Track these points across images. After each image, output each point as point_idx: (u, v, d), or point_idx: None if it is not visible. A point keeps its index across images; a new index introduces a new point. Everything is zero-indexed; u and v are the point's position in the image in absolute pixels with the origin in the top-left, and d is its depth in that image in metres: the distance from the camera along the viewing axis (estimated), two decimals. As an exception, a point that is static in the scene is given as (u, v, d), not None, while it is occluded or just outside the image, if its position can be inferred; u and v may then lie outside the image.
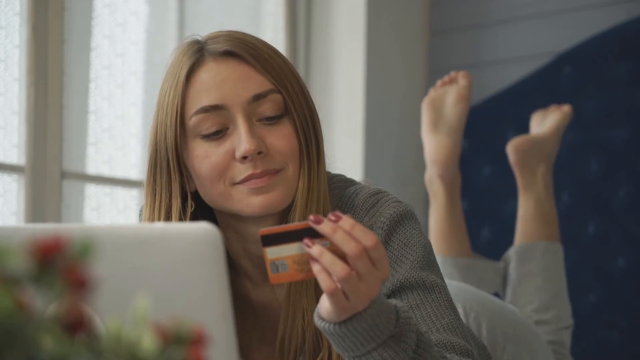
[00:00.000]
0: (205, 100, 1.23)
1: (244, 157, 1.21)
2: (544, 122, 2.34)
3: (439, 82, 2.27)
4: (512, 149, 2.28)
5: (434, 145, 2.22)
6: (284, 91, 1.24)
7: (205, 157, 1.23)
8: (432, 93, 2.26)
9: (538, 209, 2.23)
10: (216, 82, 1.23)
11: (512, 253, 2.21)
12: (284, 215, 1.26)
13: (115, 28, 2.47)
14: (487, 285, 2.16)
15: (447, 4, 3.19)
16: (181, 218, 1.27)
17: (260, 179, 1.21)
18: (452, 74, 2.27)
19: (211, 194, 1.25)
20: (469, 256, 2.22)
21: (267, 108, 1.23)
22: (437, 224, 2.24)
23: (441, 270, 2.03)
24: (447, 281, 1.76)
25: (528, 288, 2.12)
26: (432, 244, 2.19)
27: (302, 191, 1.24)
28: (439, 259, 2.17)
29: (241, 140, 1.21)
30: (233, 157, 1.22)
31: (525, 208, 2.25)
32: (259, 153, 1.21)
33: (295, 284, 1.23)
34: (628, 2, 2.81)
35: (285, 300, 1.24)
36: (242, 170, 1.22)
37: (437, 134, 2.22)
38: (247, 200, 1.22)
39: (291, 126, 1.24)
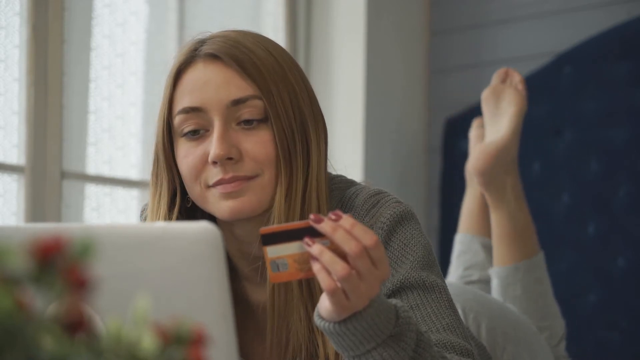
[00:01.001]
0: (187, 101, 1.25)
1: (214, 162, 1.22)
2: (499, 119, 2.13)
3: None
4: (475, 174, 2.07)
5: (478, 151, 2.08)
6: (266, 97, 1.24)
7: (184, 156, 1.25)
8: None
9: (512, 224, 2.06)
10: (199, 84, 1.24)
11: (492, 274, 2.09)
12: (265, 219, 1.26)
13: (115, 28, 2.47)
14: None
15: (447, 4, 3.19)
16: (182, 215, 1.28)
17: (229, 184, 1.22)
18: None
19: (192, 194, 1.27)
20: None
21: (246, 112, 1.24)
22: (472, 205, 2.18)
23: (467, 246, 2.01)
24: (447, 282, 1.76)
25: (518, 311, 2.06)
26: (464, 224, 2.18)
27: (280, 197, 1.24)
28: (467, 237, 2.14)
29: (212, 145, 1.22)
30: (207, 160, 1.23)
31: (499, 226, 2.07)
32: (230, 159, 1.22)
33: (284, 287, 1.23)
34: (628, 2, 2.81)
35: (270, 306, 1.24)
36: (214, 174, 1.23)
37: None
38: (218, 204, 1.23)
39: (269, 133, 1.24)
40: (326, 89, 3.00)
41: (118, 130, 2.47)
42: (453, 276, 2.18)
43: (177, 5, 2.64)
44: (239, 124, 1.24)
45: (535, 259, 2.07)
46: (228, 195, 1.22)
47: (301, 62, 3.01)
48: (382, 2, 3.03)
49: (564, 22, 2.91)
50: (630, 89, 2.73)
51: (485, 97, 2.14)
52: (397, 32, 3.11)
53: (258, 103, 1.24)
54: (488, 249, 2.14)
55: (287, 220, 1.21)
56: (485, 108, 2.14)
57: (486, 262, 2.11)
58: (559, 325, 2.07)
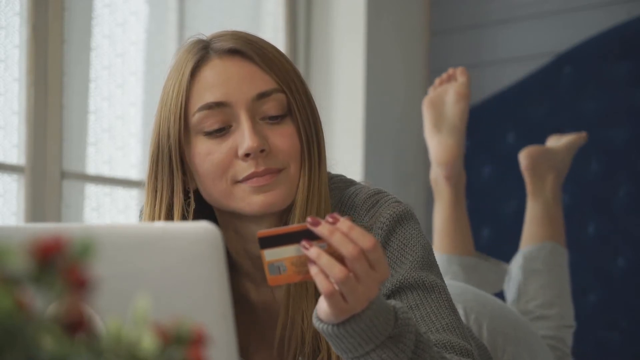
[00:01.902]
0: (210, 97, 1.23)
1: (247, 155, 1.21)
2: (560, 140, 2.38)
3: (437, 81, 2.26)
4: (524, 155, 2.30)
5: (438, 146, 2.21)
6: (288, 91, 1.24)
7: (207, 154, 1.23)
8: (432, 93, 2.25)
9: (545, 211, 2.24)
10: (221, 80, 1.23)
11: (518, 256, 2.22)
12: (284, 215, 1.26)
13: (115, 28, 2.47)
14: (490, 285, 2.16)
15: (447, 4, 3.19)
16: (183, 215, 1.27)
17: (262, 178, 1.21)
18: (450, 70, 2.24)
19: (212, 192, 1.25)
20: (473, 255, 2.22)
21: (271, 107, 1.23)
22: (442, 223, 2.24)
23: (446, 269, 2.00)
24: (448, 282, 1.76)
25: (533, 285, 2.13)
26: (437, 243, 2.22)
27: (303, 191, 1.24)
28: (443, 257, 2.18)
29: (244, 138, 1.21)
30: (235, 155, 1.22)
31: (533, 211, 2.26)
32: (262, 151, 1.21)
33: (295, 286, 1.23)
34: (628, 2, 2.81)
35: (285, 302, 1.24)
36: (244, 168, 1.21)
37: (440, 135, 2.21)
38: (249, 199, 1.22)
39: (294, 126, 1.24)
40: (326, 89, 3.00)
41: (118, 130, 2.47)
42: None
43: (177, 5, 2.64)
44: (263, 118, 1.24)
45: (561, 248, 2.21)
46: (260, 189, 1.21)
47: (301, 62, 3.01)
48: (382, 2, 3.03)
49: (564, 22, 2.91)
50: (630, 89, 2.73)
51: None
52: (397, 32, 3.11)
53: (281, 97, 1.24)
54: (468, 268, 2.17)
55: (307, 216, 1.21)
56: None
57: (467, 283, 2.12)
58: (570, 313, 2.14)
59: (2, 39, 2.21)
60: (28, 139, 2.22)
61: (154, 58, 2.56)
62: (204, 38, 1.29)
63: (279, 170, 1.22)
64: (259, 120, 1.23)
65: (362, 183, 1.34)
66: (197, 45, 1.27)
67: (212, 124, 1.23)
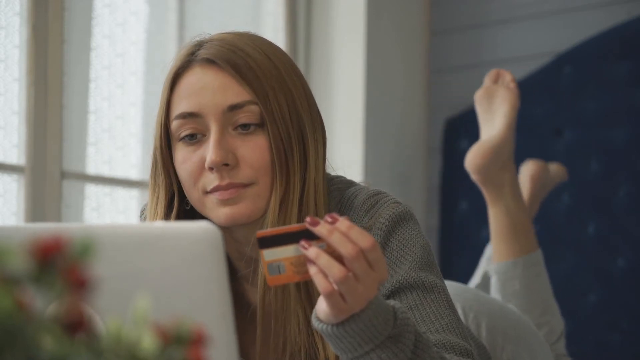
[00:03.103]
0: (184, 106, 1.25)
1: (211, 168, 1.22)
2: (493, 119, 2.17)
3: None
4: (471, 168, 2.11)
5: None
6: (263, 103, 1.23)
7: (182, 162, 1.25)
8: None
9: (509, 220, 2.09)
10: (196, 89, 1.24)
11: (491, 271, 2.12)
12: (263, 222, 1.26)
13: (115, 28, 2.47)
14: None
15: (447, 4, 3.19)
16: (179, 214, 1.28)
17: (226, 191, 1.22)
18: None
19: (191, 199, 1.27)
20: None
21: (243, 117, 1.24)
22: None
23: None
24: (447, 282, 1.75)
25: (518, 310, 2.06)
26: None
27: (275, 204, 1.23)
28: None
29: (209, 151, 1.22)
30: (204, 166, 1.23)
31: (497, 222, 2.11)
32: (226, 165, 1.22)
33: (291, 286, 1.23)
34: (628, 2, 2.81)
35: (280, 304, 1.24)
36: (211, 180, 1.23)
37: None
38: (216, 210, 1.23)
39: (265, 138, 1.24)
40: (326, 89, 3.00)
41: (118, 130, 2.47)
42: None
43: (177, 5, 2.64)
44: (235, 128, 1.24)
45: (534, 255, 2.09)
46: (225, 202, 1.22)
47: (301, 62, 3.01)
48: (382, 2, 3.03)
49: (564, 22, 2.91)
50: (630, 89, 2.73)
51: (479, 97, 2.19)
52: (397, 32, 3.11)
53: (254, 108, 1.23)
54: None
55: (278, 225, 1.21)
56: (479, 109, 2.19)
57: (461, 287, 2.07)
58: (558, 322, 2.08)
59: (2, 39, 2.21)
60: (28, 139, 2.22)
61: (154, 58, 2.56)
62: (201, 40, 1.29)
63: (245, 185, 1.23)
64: (231, 130, 1.24)
65: (362, 184, 1.34)
66: (188, 50, 1.28)
67: (186, 132, 1.25)
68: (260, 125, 1.24)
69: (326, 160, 1.31)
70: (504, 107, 2.15)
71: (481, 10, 3.11)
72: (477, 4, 3.12)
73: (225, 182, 1.22)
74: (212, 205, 1.23)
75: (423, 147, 3.19)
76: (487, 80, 2.21)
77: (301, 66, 3.01)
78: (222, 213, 1.23)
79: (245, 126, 1.23)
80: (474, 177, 2.12)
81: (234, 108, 1.23)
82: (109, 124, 2.45)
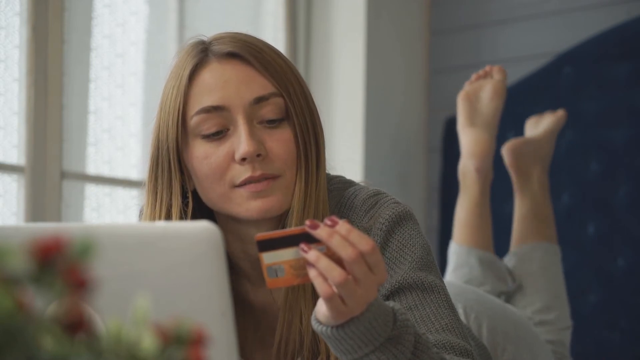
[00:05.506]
0: (207, 101, 1.23)
1: (243, 159, 1.21)
2: (539, 126, 2.35)
3: (474, 76, 2.28)
4: (507, 151, 2.29)
5: (471, 139, 2.23)
6: (286, 95, 1.24)
7: (204, 158, 1.23)
8: (468, 87, 2.27)
9: (534, 209, 2.23)
10: (219, 83, 1.23)
11: (510, 256, 2.20)
12: (282, 219, 1.26)
13: (115, 28, 2.47)
14: (503, 283, 2.16)
15: (447, 4, 3.19)
16: (182, 217, 1.27)
17: (259, 183, 1.21)
18: (487, 67, 2.28)
19: (210, 195, 1.25)
20: (492, 251, 2.22)
21: (269, 111, 1.23)
22: (465, 216, 2.24)
23: (464, 260, 2.01)
24: (448, 281, 1.76)
25: (529, 289, 2.11)
26: (457, 235, 2.22)
27: (299, 196, 1.23)
28: (463, 248, 2.18)
29: (241, 142, 1.21)
30: (232, 159, 1.22)
31: (522, 208, 2.25)
32: (258, 155, 1.21)
33: (293, 287, 1.23)
34: (628, 2, 2.81)
35: (283, 304, 1.24)
36: (241, 172, 1.21)
37: (474, 128, 2.23)
38: (246, 204, 1.22)
39: (291, 131, 1.24)
40: (326, 88, 3.00)
41: (118, 131, 2.47)
42: None
43: (177, 5, 2.64)
44: (260, 122, 1.24)
45: (553, 247, 2.20)
46: (257, 195, 1.21)
47: (301, 62, 3.01)
48: (382, 2, 3.03)
49: (564, 22, 2.91)
50: (630, 89, 2.73)
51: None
52: (397, 32, 3.11)
53: (279, 100, 1.24)
54: (485, 263, 2.17)
55: (304, 220, 1.21)
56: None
57: (483, 278, 2.12)
58: (567, 314, 2.14)
59: (2, 39, 2.21)
60: (28, 139, 2.22)
61: (154, 58, 2.56)
62: (205, 39, 1.28)
63: (275, 177, 1.22)
64: (256, 124, 1.23)
65: (361, 183, 1.33)
66: (197, 48, 1.27)
67: (209, 128, 1.23)
68: (284, 119, 1.24)
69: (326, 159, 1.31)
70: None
71: (481, 11, 3.11)
72: (477, 4, 3.12)
73: (258, 173, 1.21)
74: (241, 200, 1.22)
75: (423, 147, 3.19)
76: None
77: (301, 66, 3.01)
78: (254, 206, 1.22)
79: (271, 121, 1.23)
80: (507, 160, 2.27)
81: (260, 100, 1.23)
82: (109, 124, 2.45)
